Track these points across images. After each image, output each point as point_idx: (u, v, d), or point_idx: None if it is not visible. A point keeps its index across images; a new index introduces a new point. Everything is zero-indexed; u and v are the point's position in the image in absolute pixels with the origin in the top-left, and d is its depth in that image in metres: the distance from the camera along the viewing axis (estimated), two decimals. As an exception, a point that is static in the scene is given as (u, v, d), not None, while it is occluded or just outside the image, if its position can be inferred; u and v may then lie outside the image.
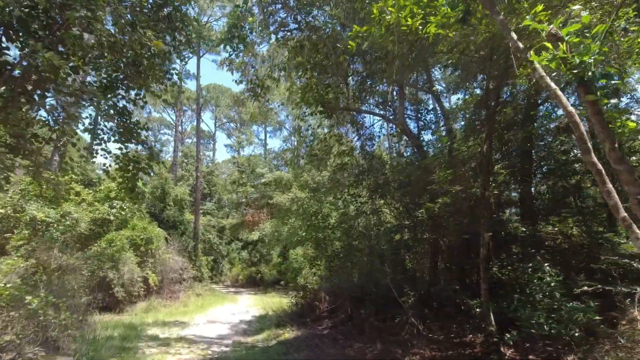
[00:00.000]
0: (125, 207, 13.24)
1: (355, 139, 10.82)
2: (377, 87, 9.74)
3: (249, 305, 16.39)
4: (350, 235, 9.42)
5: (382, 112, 10.26)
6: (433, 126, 10.37)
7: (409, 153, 10.91)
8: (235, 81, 10.72)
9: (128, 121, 5.73)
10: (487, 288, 6.32)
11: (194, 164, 32.78)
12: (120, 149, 6.04)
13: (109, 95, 5.63)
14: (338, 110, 9.09)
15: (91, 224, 12.33)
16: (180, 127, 54.10)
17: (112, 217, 12.79)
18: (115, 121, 5.74)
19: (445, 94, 11.13)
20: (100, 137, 6.04)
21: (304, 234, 10.23)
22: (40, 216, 10.57)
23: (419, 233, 8.25)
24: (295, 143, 28.01)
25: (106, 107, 5.66)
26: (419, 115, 10.59)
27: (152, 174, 6.10)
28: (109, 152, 6.13)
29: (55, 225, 10.54)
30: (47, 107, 5.20)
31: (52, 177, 6.43)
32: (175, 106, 36.09)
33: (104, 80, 5.75)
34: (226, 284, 37.11)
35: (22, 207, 10.72)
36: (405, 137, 10.32)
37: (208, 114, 53.72)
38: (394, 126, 10.26)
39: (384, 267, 8.33)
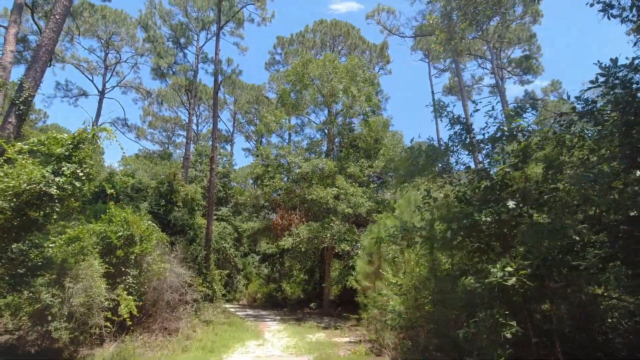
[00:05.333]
0: (84, 174, 7.40)
1: None
2: None
3: (288, 349, 10.29)
4: None
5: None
6: None
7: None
8: None
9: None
10: None
11: (209, 163, 27.45)
12: None
13: None
14: None
15: (13, 200, 6.66)
16: (195, 127, 49.39)
17: (54, 191, 7.02)
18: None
19: None
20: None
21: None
22: None
23: None
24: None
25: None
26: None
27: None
28: None
29: None
30: None
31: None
32: (190, 92, 31.14)
33: None
34: (242, 302, 31.65)
35: None
36: None
37: (226, 114, 49.25)
38: None
39: None
